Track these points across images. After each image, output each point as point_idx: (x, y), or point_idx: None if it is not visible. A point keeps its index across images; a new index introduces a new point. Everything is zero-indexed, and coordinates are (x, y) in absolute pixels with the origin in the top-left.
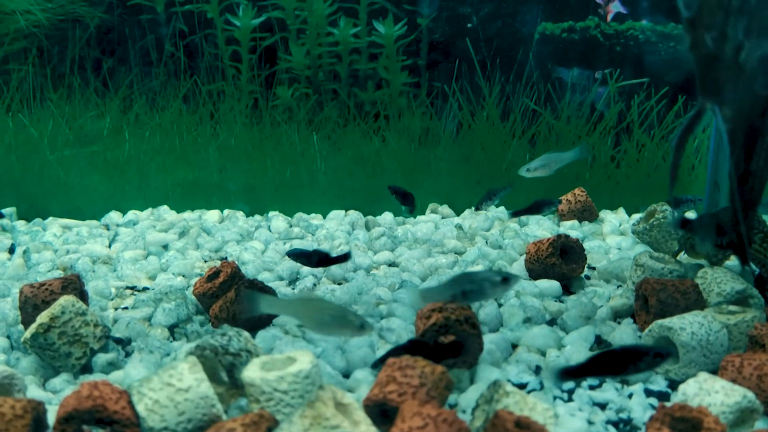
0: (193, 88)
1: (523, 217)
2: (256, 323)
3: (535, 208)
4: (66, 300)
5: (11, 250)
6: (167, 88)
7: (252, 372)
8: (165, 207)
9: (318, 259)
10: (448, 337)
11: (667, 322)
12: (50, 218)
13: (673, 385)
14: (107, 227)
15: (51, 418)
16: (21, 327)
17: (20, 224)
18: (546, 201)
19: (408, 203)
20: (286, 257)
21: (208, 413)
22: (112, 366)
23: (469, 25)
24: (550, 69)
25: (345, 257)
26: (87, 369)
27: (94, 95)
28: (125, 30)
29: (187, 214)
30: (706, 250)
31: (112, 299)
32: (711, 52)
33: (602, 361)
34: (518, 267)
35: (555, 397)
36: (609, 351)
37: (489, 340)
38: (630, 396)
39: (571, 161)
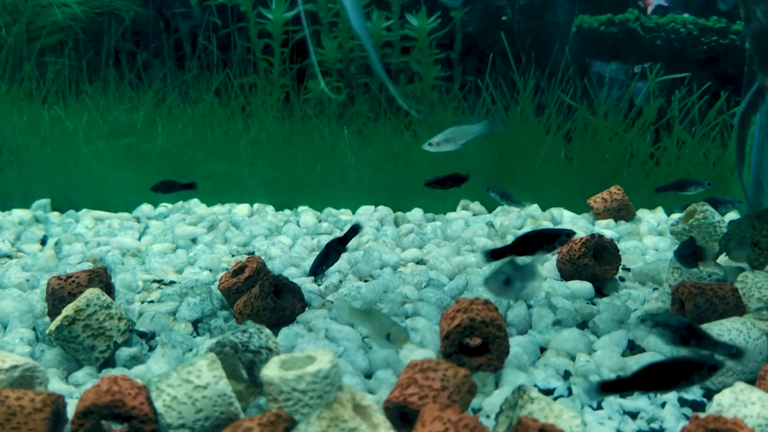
0: (225, 81)
1: (557, 215)
2: (280, 320)
3: (679, 186)
4: (91, 293)
5: (43, 242)
6: (200, 82)
7: (271, 371)
8: (195, 200)
9: (334, 247)
10: (474, 339)
11: (703, 328)
12: (83, 210)
13: (709, 394)
14: (138, 220)
15: (72, 411)
16: (47, 319)
17: (54, 215)
18: (692, 180)
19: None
20: (313, 253)
21: (226, 411)
22: (135, 360)
23: (503, 17)
24: (587, 63)
25: (355, 229)
26: (110, 363)
27: (129, 88)
28: (160, 23)
29: (217, 208)
30: (743, 256)
31: (139, 292)
32: (764, 26)
33: (649, 374)
34: (550, 267)
35: (583, 405)
36: (657, 363)
37: (516, 342)
38: (663, 405)
39: (478, 134)
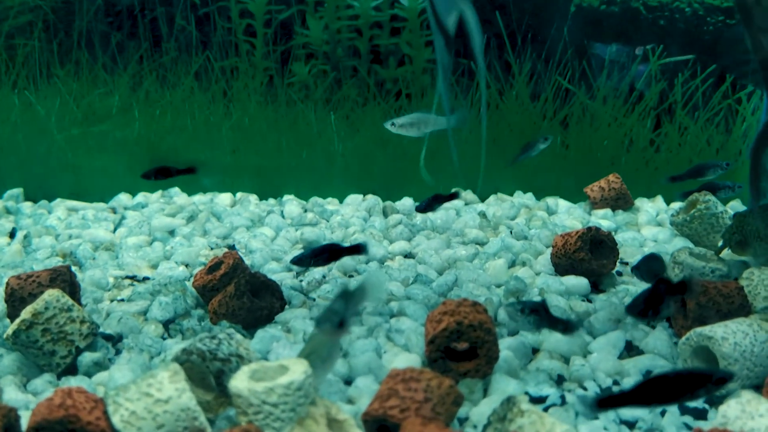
0: (205, 64)
1: (552, 205)
2: (257, 320)
3: (697, 171)
4: (50, 295)
5: (12, 234)
6: (178, 65)
7: (239, 382)
8: (176, 189)
9: (329, 253)
10: (461, 344)
11: (707, 330)
12: (57, 200)
13: (712, 400)
14: (114, 210)
15: (26, 424)
16: (7, 321)
17: (26, 206)
18: (710, 163)
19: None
20: (296, 246)
21: (190, 426)
22: (99, 366)
23: None
24: (586, 45)
25: (358, 248)
26: (73, 369)
27: (103, 71)
28: (135, 2)
29: (198, 197)
30: (761, 255)
31: (109, 290)
32: None
33: (651, 388)
34: (544, 261)
35: (577, 414)
36: (660, 376)
37: (506, 345)
38: (662, 413)
39: (442, 128)
